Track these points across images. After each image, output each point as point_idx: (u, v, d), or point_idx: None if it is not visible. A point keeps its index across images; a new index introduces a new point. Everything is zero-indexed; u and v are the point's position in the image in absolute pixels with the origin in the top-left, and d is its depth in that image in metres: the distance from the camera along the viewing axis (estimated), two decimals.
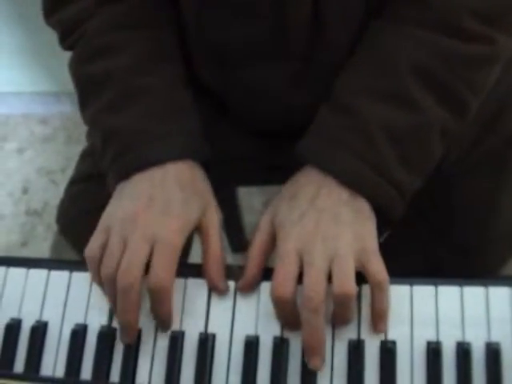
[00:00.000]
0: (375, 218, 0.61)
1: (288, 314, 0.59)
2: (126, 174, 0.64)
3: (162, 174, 0.63)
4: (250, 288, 0.62)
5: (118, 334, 0.61)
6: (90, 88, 0.69)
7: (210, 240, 0.63)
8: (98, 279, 0.61)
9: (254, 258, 0.62)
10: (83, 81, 0.70)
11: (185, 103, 0.69)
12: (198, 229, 0.64)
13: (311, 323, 0.56)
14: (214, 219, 0.64)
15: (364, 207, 0.61)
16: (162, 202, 0.61)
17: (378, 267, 0.58)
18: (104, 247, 0.61)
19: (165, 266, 0.59)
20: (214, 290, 0.62)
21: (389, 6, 0.65)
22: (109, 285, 0.60)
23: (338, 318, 0.58)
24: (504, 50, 0.64)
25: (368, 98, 0.62)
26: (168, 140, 0.65)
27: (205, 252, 0.63)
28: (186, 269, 0.63)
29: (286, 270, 0.58)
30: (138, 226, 0.60)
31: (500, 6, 0.63)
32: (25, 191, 1.68)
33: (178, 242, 0.61)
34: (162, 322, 0.61)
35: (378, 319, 0.59)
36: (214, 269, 0.62)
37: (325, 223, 0.59)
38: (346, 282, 0.57)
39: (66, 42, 0.73)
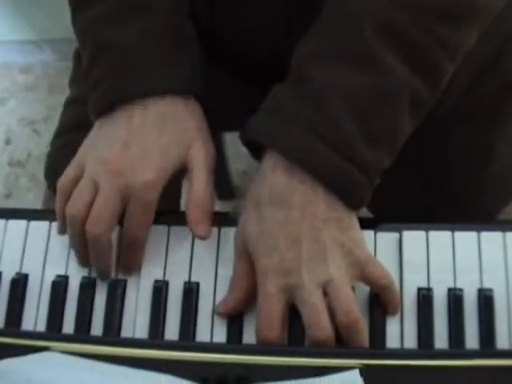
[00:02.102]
0: (352, 212, 0.56)
1: None
2: (107, 104, 0.60)
3: (141, 113, 0.60)
4: (229, 313, 0.58)
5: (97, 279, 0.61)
6: None
7: (193, 182, 0.60)
8: (62, 214, 0.60)
9: (237, 284, 0.57)
10: None
11: (188, 31, 0.65)
12: (185, 170, 0.61)
13: None
14: (200, 159, 0.60)
15: (343, 210, 0.55)
16: (137, 149, 0.59)
17: (378, 273, 0.55)
18: (75, 181, 0.60)
19: (139, 219, 0.59)
20: (194, 234, 0.59)
21: None
22: (71, 225, 0.59)
23: (352, 342, 0.54)
24: (482, 8, 0.57)
25: (324, 62, 0.56)
26: (160, 71, 0.61)
27: (188, 195, 0.60)
28: (170, 216, 0.62)
29: (270, 313, 0.54)
30: (110, 173, 0.58)
31: None
32: (7, 142, 1.66)
33: (152, 195, 0.58)
34: (130, 270, 0.61)
35: (395, 312, 0.57)
36: (195, 213, 0.59)
37: (306, 246, 0.54)
38: (349, 312, 0.53)
39: None
